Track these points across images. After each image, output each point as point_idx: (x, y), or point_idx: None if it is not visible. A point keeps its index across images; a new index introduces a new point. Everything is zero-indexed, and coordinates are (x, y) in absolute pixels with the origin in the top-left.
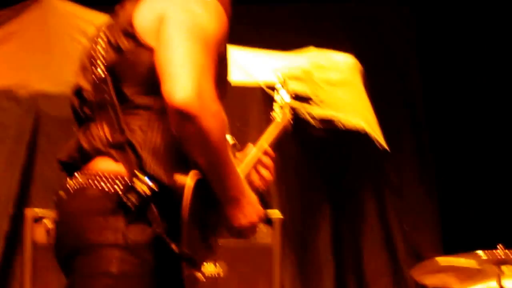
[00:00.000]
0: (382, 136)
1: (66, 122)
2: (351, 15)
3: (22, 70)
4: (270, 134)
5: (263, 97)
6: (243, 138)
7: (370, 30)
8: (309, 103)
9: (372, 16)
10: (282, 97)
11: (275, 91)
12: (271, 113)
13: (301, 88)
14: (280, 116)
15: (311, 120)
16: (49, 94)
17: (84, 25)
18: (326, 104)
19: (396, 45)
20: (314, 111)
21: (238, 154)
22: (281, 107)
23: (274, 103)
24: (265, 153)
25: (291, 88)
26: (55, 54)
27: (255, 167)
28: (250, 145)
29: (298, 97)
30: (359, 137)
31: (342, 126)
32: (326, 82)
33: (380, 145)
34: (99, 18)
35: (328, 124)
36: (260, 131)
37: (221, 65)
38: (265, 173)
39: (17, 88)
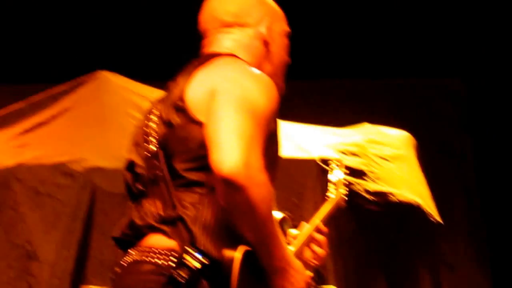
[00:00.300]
0: (435, 210)
1: (122, 198)
2: (403, 89)
3: (77, 145)
4: (323, 211)
5: (317, 172)
6: (298, 213)
7: (422, 104)
8: (364, 178)
9: (423, 90)
10: (336, 176)
11: (329, 170)
12: (326, 193)
13: (356, 163)
14: (334, 193)
15: (366, 195)
16: (104, 169)
17: (139, 100)
18: (381, 179)
19: (447, 117)
20: (369, 186)
21: (290, 232)
22: (336, 186)
23: (328, 182)
24: (318, 230)
25: (345, 164)
26: (110, 129)
27: (308, 245)
28: (303, 223)
29: (353, 172)
30: (414, 211)
31: (396, 200)
32: (381, 157)
33: (434, 218)
34: (154, 93)
35: (383, 198)
36: (315, 206)
37: (271, 140)
38: (319, 250)
39: (72, 164)
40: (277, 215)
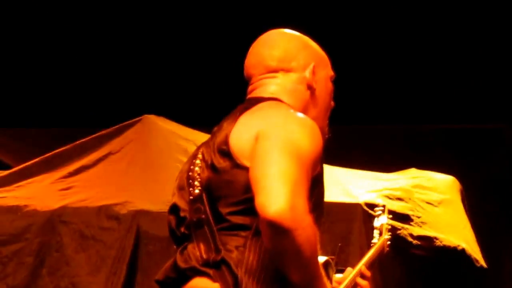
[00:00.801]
0: (480, 254)
1: (167, 241)
2: (450, 135)
3: (122, 188)
4: (367, 256)
5: (363, 217)
6: (344, 257)
7: (468, 148)
8: (409, 223)
9: (470, 135)
10: (380, 221)
11: (375, 218)
12: (372, 240)
13: (401, 208)
14: (377, 239)
15: (411, 240)
16: (149, 212)
17: (185, 144)
18: (426, 224)
19: (494, 161)
20: (414, 231)
21: (335, 277)
22: (379, 231)
23: (374, 230)
24: (361, 275)
25: (389, 209)
26: (156, 173)
27: None
28: (349, 269)
29: (398, 217)
30: (460, 256)
31: (441, 245)
32: (426, 202)
33: (479, 263)
34: (199, 137)
35: (428, 243)
36: (361, 250)
37: (316, 184)
38: None
39: (117, 207)
40: (320, 259)
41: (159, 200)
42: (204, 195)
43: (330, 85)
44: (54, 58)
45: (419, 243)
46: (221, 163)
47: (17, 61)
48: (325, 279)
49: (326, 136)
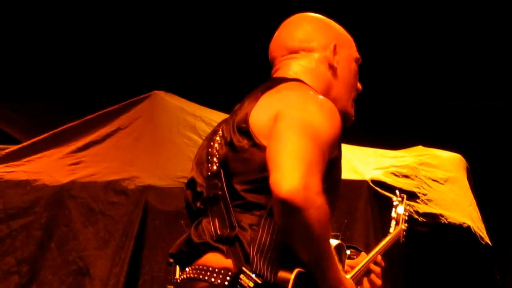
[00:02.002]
0: (485, 232)
1: (173, 215)
2: (457, 114)
3: (130, 163)
4: (382, 244)
5: (369, 194)
6: (349, 234)
7: (475, 126)
8: (415, 200)
9: (477, 114)
10: (397, 211)
11: (393, 208)
12: (389, 231)
13: (407, 185)
14: (393, 228)
15: (417, 217)
16: (156, 187)
17: (193, 120)
18: (432, 201)
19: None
20: (420, 208)
21: (348, 262)
22: (396, 221)
23: (392, 220)
24: (375, 262)
25: (397, 185)
26: (163, 148)
27: (365, 275)
28: (363, 254)
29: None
30: (465, 233)
31: (446, 222)
32: (432, 179)
33: (483, 240)
34: (209, 113)
35: (433, 220)
36: (366, 226)
37: (333, 166)
38: (376, 280)
39: (125, 181)
40: (333, 242)
41: (167, 175)
42: (222, 171)
43: (353, 66)
44: (65, 32)
45: (424, 220)
46: (240, 141)
47: (27, 35)
48: (336, 260)
49: (352, 118)
